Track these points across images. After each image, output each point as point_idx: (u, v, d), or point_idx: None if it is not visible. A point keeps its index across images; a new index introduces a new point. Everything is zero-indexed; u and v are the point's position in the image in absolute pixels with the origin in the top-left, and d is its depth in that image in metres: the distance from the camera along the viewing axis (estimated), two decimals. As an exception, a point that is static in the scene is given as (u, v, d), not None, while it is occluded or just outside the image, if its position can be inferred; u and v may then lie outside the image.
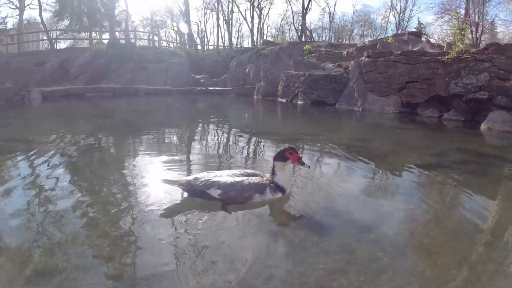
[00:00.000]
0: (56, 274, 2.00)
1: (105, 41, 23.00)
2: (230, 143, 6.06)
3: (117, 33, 27.77)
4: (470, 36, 23.81)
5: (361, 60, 12.27)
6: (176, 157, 4.68)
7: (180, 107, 13.30)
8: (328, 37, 44.61)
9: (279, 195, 3.02)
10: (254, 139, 6.41)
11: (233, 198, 2.88)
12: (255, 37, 39.26)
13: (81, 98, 14.79)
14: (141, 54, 20.60)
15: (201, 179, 2.93)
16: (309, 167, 3.00)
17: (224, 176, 3.01)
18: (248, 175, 3.10)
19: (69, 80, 17.77)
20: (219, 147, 5.57)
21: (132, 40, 25.99)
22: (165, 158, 4.56)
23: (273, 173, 3.05)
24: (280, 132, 7.30)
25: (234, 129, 7.57)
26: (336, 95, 12.42)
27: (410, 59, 11.03)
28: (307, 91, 13.07)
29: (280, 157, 2.96)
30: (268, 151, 5.31)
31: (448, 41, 15.29)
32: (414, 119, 9.79)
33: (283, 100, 14.29)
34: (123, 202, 3.04)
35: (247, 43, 46.02)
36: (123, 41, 24.39)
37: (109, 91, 17.04)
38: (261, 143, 6.06)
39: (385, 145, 6.22)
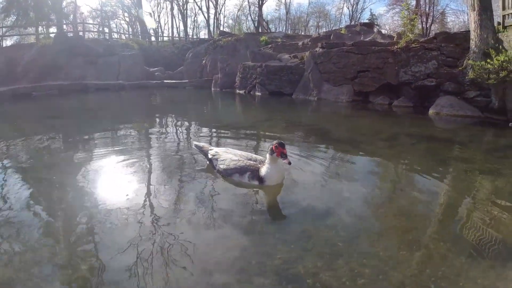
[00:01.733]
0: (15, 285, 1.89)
1: (53, 36, 21.50)
2: (192, 138, 5.86)
3: (64, 26, 26.11)
4: (420, 26, 25.01)
5: (316, 51, 12.50)
6: (133, 157, 4.38)
7: (134, 102, 12.77)
8: (284, 28, 44.96)
9: (255, 182, 3.21)
10: (214, 132, 6.31)
11: (220, 171, 3.44)
12: (211, 28, 38.65)
13: (27, 98, 13.73)
14: (90, 47, 19.36)
15: (213, 150, 3.64)
16: (289, 163, 3.05)
17: (229, 153, 3.49)
18: (250, 159, 3.39)
19: (17, 80, 16.38)
20: (178, 144, 5.39)
21: (81, 33, 24.53)
22: (121, 157, 4.30)
23: (265, 163, 3.23)
24: (240, 124, 7.26)
25: (193, 124, 7.41)
26: (293, 85, 12.59)
27: (362, 50, 11.40)
28: (265, 82, 13.13)
29: (270, 150, 3.11)
30: (230, 145, 5.23)
31: (398, 31, 15.94)
32: (367, 107, 10.17)
33: (241, 92, 14.26)
34: (80, 207, 2.87)
35: (203, 34, 45.15)
36: (71, 35, 22.96)
37: (57, 88, 15.86)
38: (222, 137, 5.96)
39: (340, 132, 6.41)
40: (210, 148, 3.78)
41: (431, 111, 9.20)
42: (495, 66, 8.07)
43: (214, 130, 6.49)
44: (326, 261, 2.17)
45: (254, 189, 3.22)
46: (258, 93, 13.28)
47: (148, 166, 4.03)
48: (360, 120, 7.84)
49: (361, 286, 1.97)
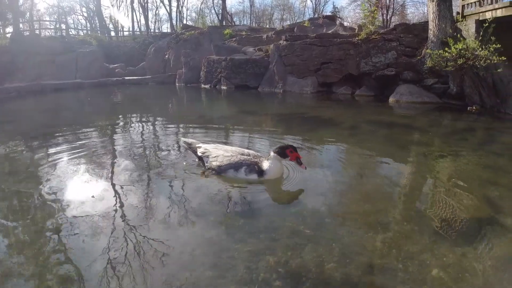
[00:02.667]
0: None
1: (9, 36, 20.11)
2: (159, 137, 5.51)
3: (21, 25, 24.55)
4: (380, 18, 25.71)
5: (280, 43, 12.54)
6: (97, 159, 4.09)
7: (93, 101, 12.00)
8: (249, 21, 44.70)
9: (254, 176, 3.16)
10: (181, 128, 6.14)
11: (213, 168, 3.33)
12: (174, 22, 37.66)
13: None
14: (47, 46, 18.27)
15: (202, 147, 3.52)
16: (305, 168, 3.07)
17: (220, 150, 3.41)
18: (242, 154, 3.32)
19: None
20: (143, 143, 5.08)
21: (37, 31, 23.18)
22: (83, 160, 4.01)
23: (266, 159, 3.22)
24: (208, 118, 7.13)
25: (159, 121, 7.05)
26: (258, 78, 12.57)
27: (324, 42, 11.58)
28: (230, 75, 13.02)
29: (281, 153, 3.09)
30: (199, 140, 5.10)
31: (359, 23, 16.29)
32: (330, 97, 10.37)
33: (207, 86, 14.04)
34: (45, 216, 2.68)
35: (165, 28, 43.95)
36: (27, 33, 21.63)
37: (15, 91, 14.75)
38: (191, 132, 5.78)
39: (304, 123, 6.46)
40: (198, 145, 3.66)
41: (391, 99, 9.53)
42: (453, 54, 8.46)
43: (181, 125, 6.32)
44: (295, 250, 2.16)
45: (226, 186, 3.14)
46: (223, 87, 13.14)
47: (114, 167, 3.80)
48: (324, 111, 7.94)
49: (330, 271, 1.98)
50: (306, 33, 13.69)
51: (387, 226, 2.50)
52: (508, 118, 7.91)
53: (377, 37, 11.10)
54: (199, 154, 3.51)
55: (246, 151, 3.42)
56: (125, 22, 34.35)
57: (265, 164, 3.15)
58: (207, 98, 11.59)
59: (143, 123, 6.73)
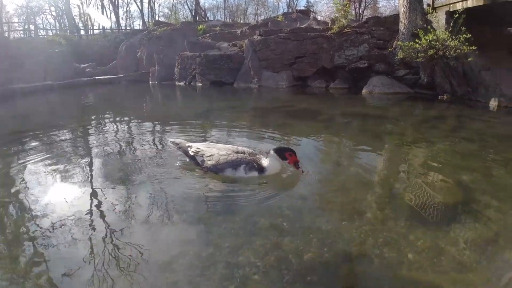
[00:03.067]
0: None
1: None
2: (134, 137, 5.24)
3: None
4: (353, 12, 26.07)
5: (254, 38, 12.51)
6: (72, 164, 3.82)
7: (64, 104, 11.46)
8: (223, 16, 44.26)
9: (254, 173, 3.10)
10: (158, 126, 5.92)
11: (209, 167, 3.22)
12: (146, 18, 36.81)
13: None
14: (16, 48, 17.51)
15: (193, 147, 3.41)
16: (302, 172, 3.06)
17: (213, 148, 3.32)
18: (237, 152, 3.25)
19: None
20: (119, 144, 4.80)
21: (6, 34, 22.13)
22: (58, 166, 3.75)
23: (264, 156, 3.19)
24: (184, 116, 6.95)
25: (134, 121, 6.64)
26: (233, 74, 12.49)
27: (298, 36, 11.64)
28: (205, 72, 12.87)
29: (280, 154, 3.07)
30: (188, 141, 4.99)
31: (332, 17, 16.46)
32: (305, 91, 10.44)
33: (181, 84, 13.82)
34: (22, 226, 2.56)
35: (137, 25, 42.93)
36: (-3, 37, 20.58)
37: None
38: (167, 131, 5.55)
39: (280, 116, 6.47)
40: (187, 144, 3.54)
41: (364, 91, 9.73)
42: (424, 46, 8.68)
43: (158, 124, 6.07)
44: (273, 242, 2.16)
45: (203, 185, 3.07)
46: (198, 84, 12.98)
47: (88, 170, 3.63)
48: (299, 104, 7.98)
49: (308, 261, 1.99)
50: (280, 27, 13.70)
51: (363, 214, 2.54)
52: (479, 105, 8.20)
53: (349, 30, 11.26)
54: (191, 153, 3.39)
55: (240, 148, 3.35)
56: (101, 19, 33.14)
57: (265, 162, 3.13)
58: (182, 96, 11.42)
59: (117, 124, 6.40)
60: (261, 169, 3.11)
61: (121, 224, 2.43)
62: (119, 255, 2.07)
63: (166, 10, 46.22)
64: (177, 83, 14.15)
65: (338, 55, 11.13)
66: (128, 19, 44.59)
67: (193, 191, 2.97)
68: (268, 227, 2.34)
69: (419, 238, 2.27)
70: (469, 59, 8.52)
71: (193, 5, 34.35)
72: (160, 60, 15.95)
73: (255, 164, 3.12)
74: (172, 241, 2.24)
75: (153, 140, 4.82)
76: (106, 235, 2.29)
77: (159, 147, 4.39)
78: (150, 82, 16.05)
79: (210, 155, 3.24)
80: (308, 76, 11.51)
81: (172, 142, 3.63)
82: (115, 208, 2.67)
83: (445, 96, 9.04)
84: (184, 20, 32.64)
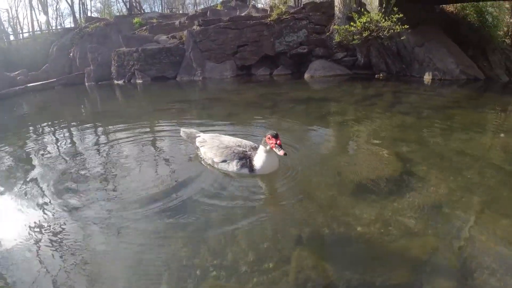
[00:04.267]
0: None
1: None
2: (76, 144, 4.70)
3: None
4: (292, -1, 26.31)
5: (194, 29, 12.16)
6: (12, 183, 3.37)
7: None
8: (160, 7, 42.47)
9: (245, 171, 2.93)
10: (101, 132, 5.30)
11: (206, 159, 3.19)
12: (77, 15, 34.30)
13: None
14: None
15: (200, 137, 3.34)
16: (285, 155, 2.68)
17: (216, 140, 3.18)
18: (239, 146, 3.08)
19: None
20: (59, 153, 4.26)
21: None
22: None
23: (258, 152, 2.94)
24: (126, 118, 6.26)
25: (75, 128, 5.71)
26: (175, 67, 12.06)
27: (238, 24, 11.52)
28: (144, 67, 12.28)
29: (262, 141, 2.83)
30: (122, 142, 4.63)
31: (271, 4, 16.48)
32: (251, 79, 10.40)
33: (120, 82, 12.98)
34: None
35: (69, 23, 39.93)
36: None
37: None
38: (113, 139, 5.05)
39: (227, 107, 6.35)
40: (198, 134, 3.44)
41: (306, 75, 9.96)
42: (358, 28, 8.99)
43: (100, 130, 5.42)
44: (228, 237, 2.13)
45: (152, 184, 2.91)
46: (139, 81, 12.33)
47: (33, 186, 3.17)
48: (245, 93, 7.91)
49: (264, 251, 1.98)
50: (220, 16, 13.44)
51: (312, 196, 2.56)
52: (414, 80, 8.72)
53: (288, 17, 11.38)
54: (197, 144, 3.30)
55: (244, 142, 3.16)
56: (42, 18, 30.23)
57: (256, 159, 2.91)
58: (122, 95, 10.53)
59: (56, 133, 5.61)
60: (251, 167, 2.91)
61: (70, 240, 2.24)
62: (69, 274, 1.91)
63: (98, 5, 43.08)
64: (115, 82, 13.23)
65: (279, 42, 11.22)
66: (58, 18, 41.25)
67: (143, 190, 2.81)
68: (222, 222, 2.29)
69: (365, 211, 2.34)
70: (402, 38, 8.98)
71: (127, -3, 32.56)
72: (95, 59, 14.94)
73: (247, 160, 2.93)
74: (121, 254, 2.12)
75: (98, 150, 4.39)
76: (58, 252, 2.10)
77: (99, 152, 4.09)
78: (87, 84, 14.78)
79: (210, 147, 3.14)
80: (252, 64, 11.48)
81: (183, 132, 3.56)
82: (58, 218, 2.45)
83: (381, 75, 9.49)
84: (118, 14, 30.93)
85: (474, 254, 1.91)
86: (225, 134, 3.44)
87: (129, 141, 4.25)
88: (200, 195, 2.66)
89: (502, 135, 4.03)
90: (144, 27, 16.69)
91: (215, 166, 3.08)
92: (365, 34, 9.15)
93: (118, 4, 40.04)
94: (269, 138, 2.71)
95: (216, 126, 4.77)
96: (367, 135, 4.08)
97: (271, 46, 11.25)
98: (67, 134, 5.19)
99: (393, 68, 9.82)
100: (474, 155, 3.32)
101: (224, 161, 3.01)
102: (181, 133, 3.61)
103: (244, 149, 3.03)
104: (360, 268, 1.82)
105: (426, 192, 2.58)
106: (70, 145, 4.51)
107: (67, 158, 3.82)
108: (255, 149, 3.00)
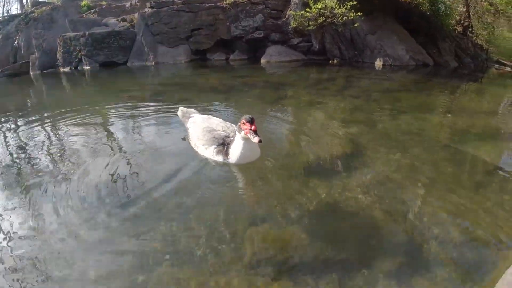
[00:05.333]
0: None
1: None
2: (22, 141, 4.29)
3: None
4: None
5: (145, 11, 11.58)
6: None
7: None
8: (111, -11, 40.21)
9: (219, 158, 2.72)
10: (48, 127, 4.59)
11: (190, 143, 3.01)
12: (24, 0, 31.66)
13: None
14: None
15: (194, 118, 3.14)
16: (260, 141, 2.38)
17: (204, 123, 2.95)
18: (224, 130, 2.85)
19: None
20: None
21: None
22: None
23: (235, 139, 2.68)
24: (69, 111, 5.71)
25: (12, 125, 5.07)
26: (125, 52, 11.44)
27: (193, 7, 11.13)
28: (92, 53, 11.53)
29: (237, 127, 2.58)
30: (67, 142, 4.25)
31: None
32: (206, 64, 10.14)
33: (66, 69, 12.09)
34: None
35: (16, 9, 36.73)
36: None
37: None
38: (58, 136, 4.58)
39: (181, 92, 6.09)
40: (192, 115, 3.24)
41: (262, 61, 9.89)
42: (314, 14, 9.02)
43: (47, 124, 4.62)
44: (181, 224, 2.07)
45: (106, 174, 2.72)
46: (86, 67, 11.55)
47: None
48: (199, 79, 7.65)
49: (218, 233, 1.97)
50: (173, -1, 12.92)
51: (264, 179, 2.53)
52: (365, 66, 8.94)
53: (244, 1, 11.19)
54: (187, 125, 3.15)
55: (232, 127, 2.88)
56: None
57: (232, 146, 2.66)
58: (69, 84, 9.42)
59: None
60: (226, 155, 2.68)
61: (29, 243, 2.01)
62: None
63: None
64: (61, 69, 12.25)
65: (235, 26, 10.99)
66: (6, 4, 37.73)
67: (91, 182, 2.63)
68: (174, 208, 2.22)
69: (318, 190, 2.35)
70: (355, 25, 9.11)
71: (74, -21, 30.52)
72: (40, 46, 13.80)
73: (225, 147, 2.70)
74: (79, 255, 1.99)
75: (45, 143, 4.00)
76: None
77: (55, 148, 3.74)
78: (31, 73, 13.53)
79: (196, 130, 2.95)
80: (207, 49, 11.17)
81: (181, 110, 3.38)
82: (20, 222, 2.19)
83: (335, 61, 9.64)
84: (66, -3, 28.87)
85: (422, 227, 1.99)
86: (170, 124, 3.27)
87: (78, 134, 3.93)
88: (152, 181, 2.55)
89: (448, 115, 4.19)
90: (93, 10, 15.71)
91: (196, 149, 2.93)
92: (320, 20, 9.20)
93: (66, -14, 37.37)
94: (243, 123, 2.46)
95: (167, 112, 4.53)
96: (319, 118, 4.11)
97: (227, 30, 11.00)
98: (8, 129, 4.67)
99: (346, 54, 9.99)
100: (421, 134, 3.44)
101: (203, 146, 2.82)
102: (178, 112, 3.42)
103: (226, 134, 2.78)
104: (313, 245, 1.84)
105: (375, 170, 2.66)
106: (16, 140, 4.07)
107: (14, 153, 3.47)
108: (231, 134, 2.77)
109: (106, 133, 3.88)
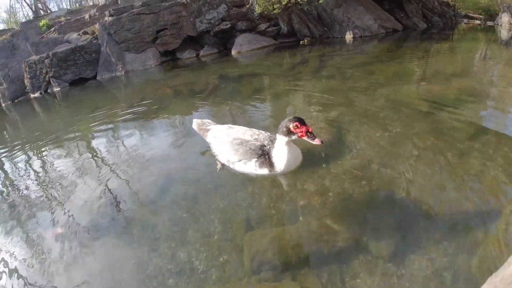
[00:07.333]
0: None
1: None
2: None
3: None
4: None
5: (106, 21, 11.26)
6: None
7: None
8: (68, 2, 38.84)
9: (265, 171, 2.44)
10: (28, 166, 4.51)
11: (220, 160, 2.74)
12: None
13: None
14: None
15: (212, 129, 2.92)
16: (322, 143, 2.20)
17: (230, 135, 2.67)
18: (256, 139, 2.57)
19: None
20: None
21: None
22: None
23: (275, 145, 2.43)
24: (47, 137, 5.51)
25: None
26: (93, 66, 11.14)
27: (153, 8, 10.87)
28: (59, 73, 11.17)
29: (283, 131, 2.26)
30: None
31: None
32: (177, 64, 9.95)
33: (37, 95, 11.61)
34: None
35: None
36: None
37: None
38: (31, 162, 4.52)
39: (156, 99, 5.93)
40: (209, 126, 3.00)
41: (233, 52, 9.74)
42: (277, -4, 8.87)
43: (30, 153, 4.51)
44: (178, 239, 2.07)
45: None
46: (56, 89, 11.14)
47: None
48: (172, 81, 7.47)
49: (217, 243, 1.95)
50: (132, 2, 12.55)
51: (252, 182, 2.49)
52: (336, 41, 8.88)
53: (204, -7, 10.90)
54: (208, 139, 2.89)
55: (262, 134, 2.64)
56: None
57: (275, 154, 2.41)
58: (40, 111, 8.76)
59: None
60: (271, 163, 2.43)
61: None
62: None
63: (4, 15, 38.57)
64: (31, 95, 11.85)
65: (199, 21, 10.77)
66: None
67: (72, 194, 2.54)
68: (169, 223, 2.21)
69: (306, 183, 2.34)
70: (320, 1, 9.01)
71: (32, 0, 29.46)
72: (6, 76, 13.25)
73: (267, 157, 2.45)
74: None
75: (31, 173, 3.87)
76: None
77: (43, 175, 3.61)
78: (3, 105, 12.95)
79: (223, 143, 2.66)
80: (176, 48, 10.97)
81: (195, 123, 3.12)
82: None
83: (305, 40, 9.55)
84: (26, 19, 27.90)
85: (411, 206, 2.00)
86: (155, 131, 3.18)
87: (62, 157, 3.88)
88: (140, 196, 2.54)
89: (423, 83, 4.16)
90: (53, 28, 15.18)
91: (231, 166, 2.62)
92: (284, 2, 9.07)
93: (23, 9, 36.04)
94: (296, 126, 2.19)
95: (146, 128, 4.40)
96: (298, 106, 4.10)
97: (192, 26, 10.79)
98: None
99: (315, 32, 9.90)
100: (399, 107, 3.41)
101: (240, 161, 2.54)
102: (193, 125, 3.14)
103: (261, 144, 2.54)
104: (308, 242, 1.85)
105: (359, 153, 2.64)
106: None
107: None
108: (273, 140, 2.51)
109: (89, 152, 3.85)
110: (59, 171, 3.42)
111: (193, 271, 1.78)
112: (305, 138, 2.20)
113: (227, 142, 2.62)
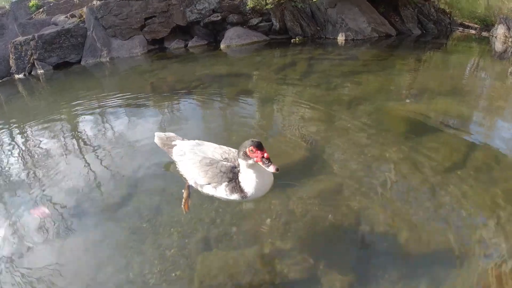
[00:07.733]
0: None
1: None
2: None
3: None
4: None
5: (94, 4, 10.88)
6: None
7: None
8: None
9: (236, 197, 2.23)
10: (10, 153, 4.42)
11: (187, 181, 2.50)
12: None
13: None
14: None
15: (178, 146, 2.62)
16: (277, 171, 1.95)
17: (198, 153, 2.44)
18: (226, 159, 2.38)
19: None
20: None
21: None
22: None
23: (241, 170, 2.24)
24: (31, 119, 5.24)
25: None
26: (78, 50, 10.78)
27: (143, -6, 10.47)
28: (44, 55, 10.80)
29: (241, 154, 2.10)
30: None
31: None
32: (165, 54, 9.70)
33: (20, 76, 11.32)
34: None
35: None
36: None
37: None
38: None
39: (143, 91, 5.74)
40: (174, 142, 2.68)
41: (222, 45, 9.49)
42: (270, -9, 8.63)
43: (14, 133, 4.49)
44: (134, 251, 2.00)
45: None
46: (40, 71, 10.80)
47: None
48: (159, 73, 7.20)
49: (172, 257, 1.88)
50: (122, -12, 12.15)
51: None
52: (327, 42, 8.69)
53: (196, -18, 10.59)
54: (174, 158, 2.59)
55: (232, 153, 2.44)
56: None
57: (243, 179, 2.22)
58: (24, 93, 8.47)
59: None
60: (241, 191, 2.23)
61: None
62: None
63: None
64: (16, 76, 11.55)
65: (190, 11, 10.46)
66: None
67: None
68: (128, 233, 2.15)
69: (273, 203, 2.31)
70: (314, 0, 8.78)
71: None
72: None
73: (237, 181, 2.24)
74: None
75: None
76: None
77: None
78: None
79: (191, 164, 2.40)
80: (164, 37, 10.68)
81: (158, 137, 2.80)
82: None
83: (297, 39, 9.34)
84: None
85: (374, 241, 1.96)
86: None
87: (45, 139, 3.84)
88: (104, 209, 2.46)
89: (408, 100, 4.02)
90: (41, 9, 14.70)
91: (199, 188, 2.40)
92: (277, -3, 8.84)
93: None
94: (251, 150, 2.03)
95: (133, 118, 4.26)
96: (278, 115, 4.03)
97: (182, 15, 10.49)
98: None
99: (308, 31, 9.70)
100: (379, 129, 3.31)
101: (209, 184, 2.31)
102: (155, 139, 2.82)
103: (232, 165, 2.32)
104: (262, 270, 1.82)
105: (330, 176, 2.56)
106: None
107: None
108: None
109: (73, 135, 3.86)
110: (43, 152, 3.45)
111: (145, 284, 1.76)
112: (260, 163, 2.02)
113: (195, 162, 2.39)
